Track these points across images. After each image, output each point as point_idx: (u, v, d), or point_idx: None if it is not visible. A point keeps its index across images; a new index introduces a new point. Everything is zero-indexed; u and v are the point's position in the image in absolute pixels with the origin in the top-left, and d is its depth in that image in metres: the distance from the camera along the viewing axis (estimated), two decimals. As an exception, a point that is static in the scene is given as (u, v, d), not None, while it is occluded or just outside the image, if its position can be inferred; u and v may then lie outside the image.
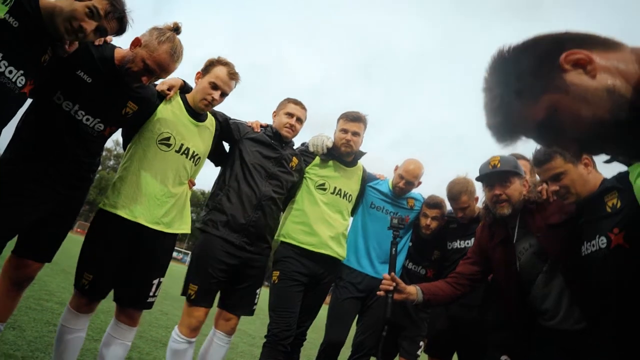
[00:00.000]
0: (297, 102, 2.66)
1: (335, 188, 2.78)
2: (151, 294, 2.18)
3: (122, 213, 2.05)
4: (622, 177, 1.64)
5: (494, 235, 2.17)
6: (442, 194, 2.86)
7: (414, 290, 2.12)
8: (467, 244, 2.70)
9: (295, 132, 2.64)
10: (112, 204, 2.07)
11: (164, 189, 2.16)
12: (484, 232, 2.26)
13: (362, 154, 2.91)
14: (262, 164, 2.53)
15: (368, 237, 2.92)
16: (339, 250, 2.74)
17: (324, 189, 2.77)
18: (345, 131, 2.73)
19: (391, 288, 2.07)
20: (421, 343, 2.89)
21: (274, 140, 2.60)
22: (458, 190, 2.67)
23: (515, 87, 0.78)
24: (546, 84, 0.76)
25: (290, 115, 2.61)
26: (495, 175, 2.07)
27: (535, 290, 1.95)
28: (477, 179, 2.17)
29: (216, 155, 2.57)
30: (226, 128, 2.52)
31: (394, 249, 2.22)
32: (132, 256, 2.10)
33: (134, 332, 2.22)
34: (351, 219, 3.00)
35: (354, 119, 2.72)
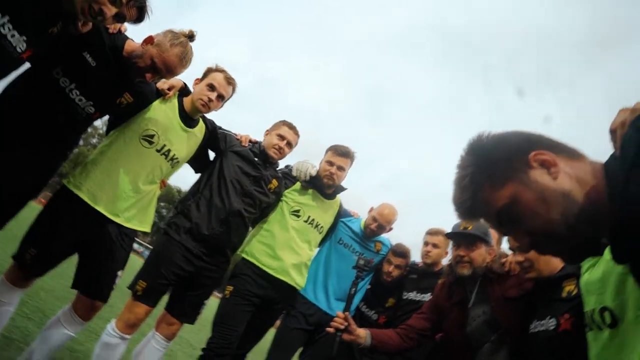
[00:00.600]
0: (291, 127, 2.69)
1: (309, 217, 2.80)
2: (112, 284, 2.13)
3: (84, 196, 2.01)
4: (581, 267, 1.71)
5: (453, 295, 2.20)
6: (415, 244, 2.91)
7: (363, 334, 2.12)
8: (423, 297, 2.73)
9: (282, 155, 2.66)
10: (77, 185, 2.03)
11: (134, 184, 2.14)
12: (443, 290, 2.29)
13: (342, 189, 2.95)
14: (239, 179, 2.52)
15: (329, 272, 2.92)
16: (298, 279, 2.73)
17: (298, 216, 2.78)
18: (331, 164, 2.77)
19: (342, 327, 2.06)
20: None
21: (258, 159, 2.61)
22: (437, 230, 2.74)
23: (486, 171, 0.85)
24: (514, 174, 0.83)
25: (282, 137, 2.63)
26: (463, 237, 2.12)
27: (480, 358, 1.98)
28: (446, 235, 2.22)
29: (197, 162, 2.56)
30: (214, 137, 2.53)
31: (353, 288, 2.22)
32: (90, 244, 2.05)
33: (84, 326, 2.15)
34: (317, 249, 3.01)
35: (342, 154, 2.77)
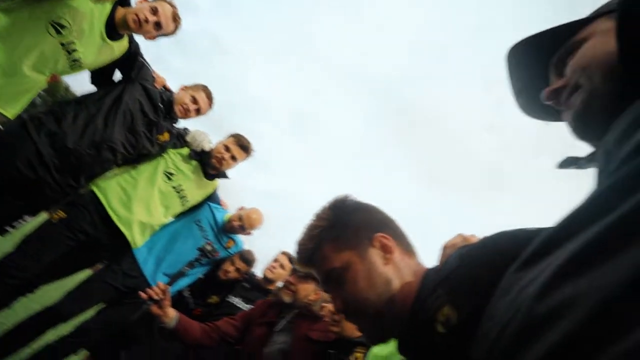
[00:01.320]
0: (209, 95, 2.60)
1: (179, 185, 2.72)
2: None
3: None
4: None
5: (267, 314, 2.31)
6: (262, 258, 2.99)
7: (172, 315, 2.08)
8: (245, 307, 2.80)
9: (186, 116, 2.56)
10: None
11: (17, 63, 1.88)
12: (262, 306, 2.39)
13: (225, 176, 2.94)
14: (134, 114, 2.36)
15: (172, 246, 2.84)
16: (137, 238, 2.60)
17: (170, 179, 2.68)
18: (227, 149, 2.75)
19: (156, 298, 2.00)
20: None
21: (163, 106, 2.49)
22: (292, 256, 2.84)
23: (336, 231, 0.91)
24: (356, 245, 0.89)
25: (195, 101, 2.53)
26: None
27: None
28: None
29: (99, 75, 2.35)
30: (131, 60, 2.36)
31: (187, 268, 2.19)
32: None
33: None
34: (171, 219, 2.92)
35: (242, 146, 2.77)
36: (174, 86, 2.64)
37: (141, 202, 2.57)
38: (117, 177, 2.56)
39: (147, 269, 2.74)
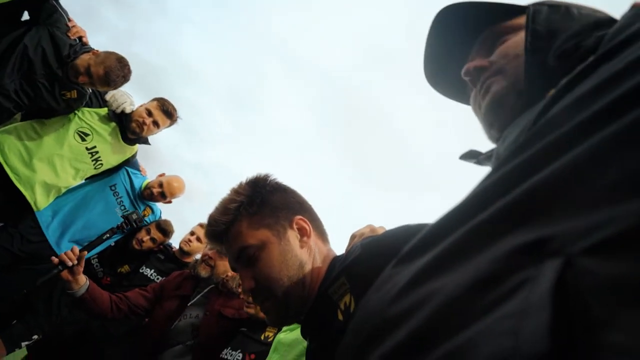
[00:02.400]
0: (122, 64, 2.22)
1: (94, 147, 2.51)
2: None
3: None
4: None
5: (181, 287, 2.27)
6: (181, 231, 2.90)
7: (83, 282, 1.94)
8: (157, 279, 2.72)
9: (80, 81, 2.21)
10: None
11: None
12: (176, 278, 2.34)
13: (146, 142, 2.77)
14: (33, 62, 2.07)
15: (81, 211, 2.63)
16: (40, 199, 2.39)
17: (84, 140, 2.47)
18: (149, 114, 2.57)
19: (70, 264, 1.85)
20: (35, 337, 2.57)
21: (68, 60, 2.17)
22: None
23: (254, 208, 0.89)
24: (274, 224, 0.88)
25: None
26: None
27: (166, 355, 2.05)
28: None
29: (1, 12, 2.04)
30: (40, 1, 2.07)
31: (107, 235, 2.05)
32: None
33: None
34: (82, 182, 2.71)
35: (166, 112, 2.61)
36: (103, 44, 2.35)
37: (46, 161, 2.34)
38: (19, 131, 2.30)
39: (51, 234, 2.53)
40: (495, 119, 0.59)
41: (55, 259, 1.86)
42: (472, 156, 0.64)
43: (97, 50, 2.28)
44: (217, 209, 0.92)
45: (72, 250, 1.89)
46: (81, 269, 1.92)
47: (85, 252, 1.95)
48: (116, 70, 2.15)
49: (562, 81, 0.36)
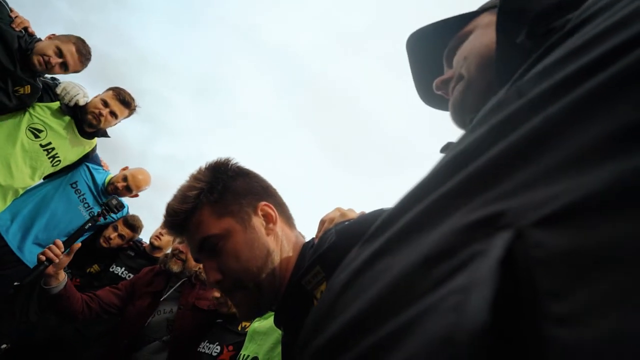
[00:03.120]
0: (80, 50, 2.22)
1: (49, 144, 2.39)
2: None
3: None
4: None
5: (153, 283, 2.20)
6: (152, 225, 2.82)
7: (62, 277, 1.87)
8: (129, 276, 2.64)
9: (47, 69, 2.17)
10: None
11: None
12: (147, 275, 2.28)
13: (105, 135, 2.65)
14: None
15: (42, 211, 2.52)
16: (-6, 203, 2.26)
17: (37, 137, 2.34)
18: (105, 104, 2.44)
19: (56, 260, 1.77)
20: (3, 346, 2.47)
21: (19, 52, 2.08)
22: None
23: (216, 195, 0.83)
24: (238, 212, 0.82)
25: (59, 53, 2.15)
26: None
27: (143, 352, 2.00)
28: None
29: None
30: None
31: (90, 224, 1.98)
32: None
33: None
34: (41, 181, 2.57)
35: (123, 101, 2.48)
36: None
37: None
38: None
39: (12, 238, 2.41)
40: (461, 121, 0.61)
41: (41, 256, 1.79)
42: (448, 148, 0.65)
43: (53, 35, 2.23)
44: (175, 197, 0.86)
45: (55, 244, 1.81)
46: (67, 261, 1.86)
47: (79, 245, 1.88)
48: (85, 44, 2.22)
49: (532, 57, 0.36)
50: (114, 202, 2.13)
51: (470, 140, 0.30)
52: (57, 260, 1.79)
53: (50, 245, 1.81)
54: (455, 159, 0.30)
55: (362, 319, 0.25)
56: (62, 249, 1.81)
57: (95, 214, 2.12)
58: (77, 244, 1.88)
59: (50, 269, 1.80)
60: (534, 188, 0.21)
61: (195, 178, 0.87)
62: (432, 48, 0.71)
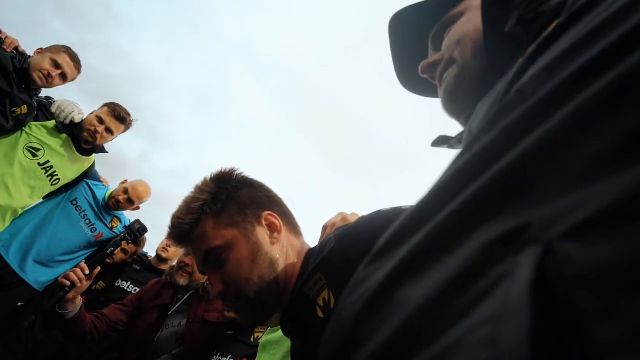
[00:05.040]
0: (73, 58, 2.27)
1: (47, 162, 2.39)
2: None
3: None
4: None
5: (160, 297, 2.19)
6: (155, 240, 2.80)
7: (79, 302, 1.86)
8: (135, 291, 2.63)
9: (49, 84, 2.21)
10: None
11: None
12: (154, 288, 2.27)
13: (103, 150, 2.65)
14: None
15: (43, 230, 2.52)
16: (-6, 224, 2.25)
17: (35, 156, 2.34)
18: (100, 121, 2.45)
19: (79, 284, 1.75)
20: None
21: (16, 75, 2.09)
22: None
23: (220, 206, 0.83)
24: (242, 222, 0.82)
25: (57, 65, 2.18)
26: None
27: None
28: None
29: None
30: None
31: (112, 248, 2.00)
32: None
33: None
34: (41, 201, 2.56)
35: (118, 117, 2.49)
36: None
37: None
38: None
39: (13, 259, 2.40)
40: (455, 109, 0.58)
41: (65, 281, 1.76)
42: (443, 142, 0.63)
43: (41, 49, 2.27)
44: (179, 208, 0.86)
45: (80, 267, 1.80)
46: (87, 286, 1.84)
47: (98, 268, 1.87)
48: (73, 51, 2.29)
49: (529, 49, 0.34)
50: (137, 225, 2.13)
51: (482, 145, 0.28)
52: (79, 285, 1.77)
53: (75, 269, 1.80)
54: (467, 167, 0.28)
55: (387, 353, 0.23)
56: (87, 271, 1.79)
57: (119, 239, 2.12)
58: (98, 268, 1.86)
59: (71, 294, 1.78)
60: (557, 196, 0.20)
61: (199, 189, 0.87)
62: (416, 30, 0.68)
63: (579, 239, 0.17)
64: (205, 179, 0.89)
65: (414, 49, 0.70)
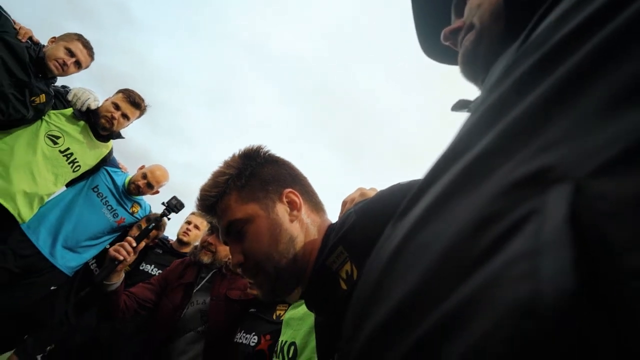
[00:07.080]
0: (86, 45, 2.35)
1: (68, 149, 2.45)
2: None
3: None
4: None
5: (184, 276, 2.26)
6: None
7: (122, 275, 1.99)
8: (158, 273, 2.71)
9: (65, 72, 2.28)
10: None
11: None
12: (178, 267, 2.34)
13: (120, 136, 2.71)
14: None
15: (68, 216, 2.61)
16: (23, 211, 2.36)
17: (55, 143, 2.40)
18: (117, 107, 2.51)
19: (128, 258, 1.88)
20: (48, 348, 2.57)
21: (32, 64, 2.14)
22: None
23: (244, 181, 0.87)
24: (263, 198, 0.85)
25: (71, 54, 2.24)
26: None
27: (180, 344, 2.06)
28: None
29: None
30: None
31: (153, 224, 2.09)
32: None
33: None
34: (64, 189, 2.64)
35: (133, 103, 2.54)
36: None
37: (22, 170, 2.31)
38: (-13, 146, 2.21)
39: (43, 246, 2.50)
40: (473, 73, 0.58)
41: (116, 254, 1.87)
42: (462, 106, 0.63)
43: (54, 37, 2.32)
44: (208, 181, 0.91)
45: (128, 241, 1.92)
46: (133, 260, 1.96)
47: (144, 242, 2.01)
48: (85, 38, 2.34)
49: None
50: (174, 201, 2.20)
51: (497, 95, 0.28)
52: (129, 258, 1.90)
53: (123, 242, 1.92)
54: (484, 116, 0.29)
55: (414, 298, 0.24)
56: (134, 244, 1.92)
57: (160, 215, 2.21)
58: (143, 242, 1.95)
59: (120, 266, 1.91)
60: (580, 135, 0.20)
61: (226, 164, 0.91)
62: None
63: (609, 176, 0.18)
64: (233, 155, 0.93)
65: (437, 16, 0.70)
